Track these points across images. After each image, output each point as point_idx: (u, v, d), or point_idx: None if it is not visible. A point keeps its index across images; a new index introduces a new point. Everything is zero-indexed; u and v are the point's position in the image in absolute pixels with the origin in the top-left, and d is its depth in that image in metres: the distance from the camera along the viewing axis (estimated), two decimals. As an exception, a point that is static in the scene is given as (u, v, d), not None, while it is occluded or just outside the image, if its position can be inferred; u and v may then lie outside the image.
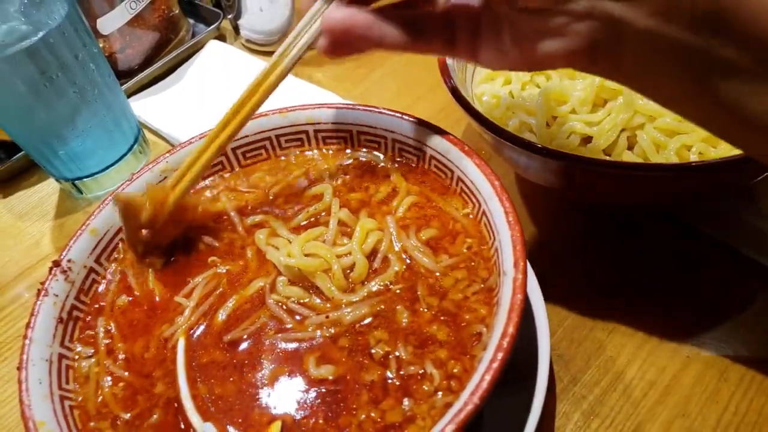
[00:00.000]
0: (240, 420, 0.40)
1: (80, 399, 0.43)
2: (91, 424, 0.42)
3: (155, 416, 0.41)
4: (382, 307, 0.44)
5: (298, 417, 0.40)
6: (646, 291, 0.55)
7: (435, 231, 0.48)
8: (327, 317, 0.44)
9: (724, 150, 0.52)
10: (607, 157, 0.55)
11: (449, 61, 0.58)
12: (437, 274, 0.45)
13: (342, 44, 0.40)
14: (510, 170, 0.66)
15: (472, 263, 0.46)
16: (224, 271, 0.49)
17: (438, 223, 0.49)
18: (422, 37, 0.41)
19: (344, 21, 0.39)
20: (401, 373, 0.41)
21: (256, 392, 0.41)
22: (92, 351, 0.45)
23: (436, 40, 0.41)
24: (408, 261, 0.46)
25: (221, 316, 0.46)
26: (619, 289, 0.56)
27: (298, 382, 0.41)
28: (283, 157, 0.56)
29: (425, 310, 0.43)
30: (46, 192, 0.77)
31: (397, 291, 0.45)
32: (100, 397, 0.43)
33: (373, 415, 0.39)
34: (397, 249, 0.47)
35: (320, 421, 0.39)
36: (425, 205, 0.50)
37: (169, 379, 0.43)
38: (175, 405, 0.42)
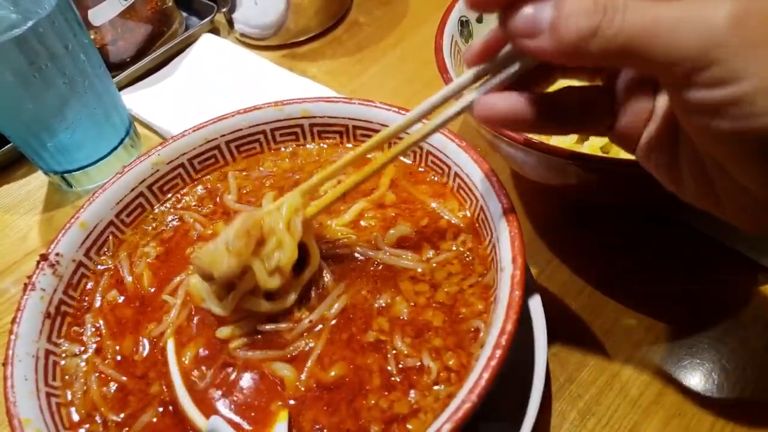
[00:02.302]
0: (243, 412, 0.40)
1: (69, 398, 0.42)
2: (80, 424, 0.41)
3: (147, 417, 0.40)
4: (364, 292, 0.44)
5: (303, 409, 0.39)
6: (643, 289, 0.55)
7: (406, 229, 0.48)
8: (310, 321, 0.43)
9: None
10: (605, 154, 0.54)
11: (446, 56, 0.57)
12: (419, 269, 0.45)
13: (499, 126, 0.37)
14: (506, 166, 0.66)
15: (467, 258, 0.45)
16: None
17: (411, 222, 0.48)
18: (583, 124, 0.37)
19: (504, 114, 0.35)
20: (400, 366, 0.40)
21: (256, 385, 0.41)
22: (81, 348, 0.44)
23: (596, 127, 0.37)
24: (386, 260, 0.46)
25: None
26: (615, 287, 0.55)
27: (297, 376, 0.41)
28: (283, 149, 0.55)
29: (413, 302, 0.43)
30: (34, 185, 0.76)
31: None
32: (90, 397, 0.42)
33: (382, 403, 0.39)
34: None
35: (325, 409, 0.39)
36: (403, 203, 0.50)
37: (161, 378, 0.42)
38: (170, 406, 0.41)
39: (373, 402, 0.39)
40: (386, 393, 0.39)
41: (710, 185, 0.32)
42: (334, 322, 0.43)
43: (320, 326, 0.43)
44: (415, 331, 0.42)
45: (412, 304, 0.43)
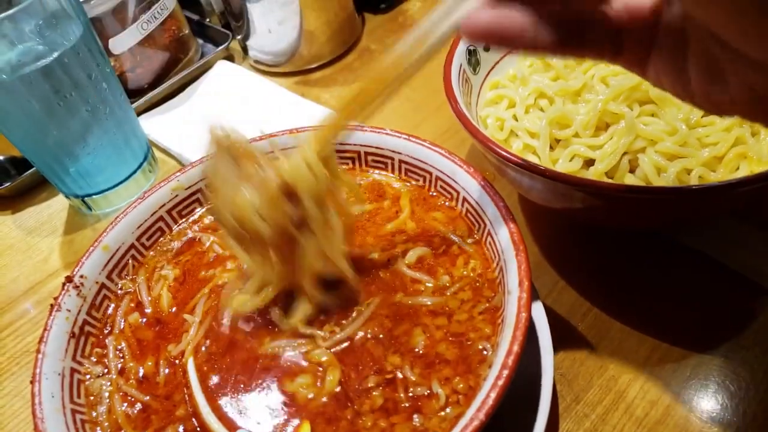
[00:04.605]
0: (267, 426, 0.41)
1: (94, 416, 0.43)
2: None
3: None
4: (377, 328, 0.45)
5: (322, 422, 0.41)
6: (648, 311, 0.56)
7: (425, 250, 0.49)
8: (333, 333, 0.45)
9: (724, 174, 0.53)
10: (609, 180, 0.56)
11: (455, 84, 0.59)
12: (432, 302, 0.46)
13: (487, 41, 0.34)
14: (513, 191, 0.67)
15: (477, 284, 0.47)
16: (223, 283, 0.50)
17: (426, 243, 0.50)
18: (583, 40, 0.35)
19: (490, 26, 0.33)
20: (410, 394, 0.41)
21: (277, 400, 0.42)
22: (105, 370, 0.46)
23: (598, 46, 0.35)
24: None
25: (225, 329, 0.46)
26: (621, 308, 0.56)
27: (315, 389, 0.42)
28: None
29: (429, 335, 0.44)
30: (55, 208, 0.78)
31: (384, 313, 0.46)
32: (114, 417, 0.43)
33: (381, 423, 0.40)
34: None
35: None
36: (421, 231, 0.51)
37: (184, 397, 0.44)
38: (194, 419, 0.42)
39: (370, 424, 0.40)
40: (387, 416, 0.40)
41: (721, 79, 0.31)
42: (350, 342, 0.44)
43: (344, 344, 0.44)
44: (427, 363, 0.43)
45: (428, 335, 0.44)
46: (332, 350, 0.44)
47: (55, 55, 0.60)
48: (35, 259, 0.72)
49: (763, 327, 0.53)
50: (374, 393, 0.41)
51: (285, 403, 0.42)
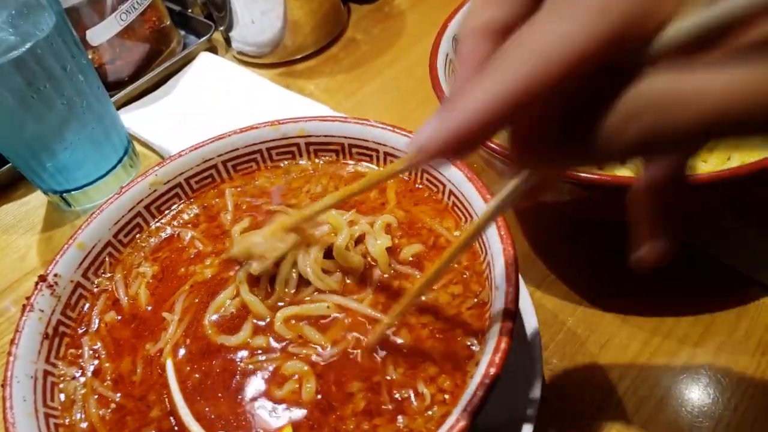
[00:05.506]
0: (247, 428, 0.40)
1: (68, 421, 0.42)
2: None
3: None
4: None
5: (305, 425, 0.40)
6: (638, 305, 0.55)
7: (420, 247, 0.48)
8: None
9: (714, 165, 0.52)
10: (598, 171, 0.55)
11: (441, 74, 0.58)
12: (426, 298, 0.45)
13: None
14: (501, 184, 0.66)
15: (464, 276, 0.46)
16: (207, 279, 0.48)
17: (420, 239, 0.48)
18: None
19: None
20: (395, 395, 0.40)
21: (258, 403, 0.41)
22: (79, 372, 0.44)
23: None
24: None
25: (207, 329, 0.45)
26: (611, 303, 0.55)
27: (297, 394, 0.41)
28: (282, 164, 0.56)
29: (416, 335, 0.43)
30: (33, 205, 0.76)
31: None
32: (89, 419, 0.42)
33: (364, 425, 0.39)
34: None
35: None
36: (408, 222, 0.50)
37: (161, 399, 0.42)
38: (171, 421, 0.41)
39: (352, 427, 0.39)
40: (369, 419, 0.39)
41: None
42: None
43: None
44: (412, 362, 0.41)
45: (413, 335, 0.43)
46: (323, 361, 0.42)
47: (28, 45, 0.58)
48: (12, 257, 0.71)
49: (755, 321, 0.52)
50: (357, 397, 0.40)
51: (266, 406, 0.41)
